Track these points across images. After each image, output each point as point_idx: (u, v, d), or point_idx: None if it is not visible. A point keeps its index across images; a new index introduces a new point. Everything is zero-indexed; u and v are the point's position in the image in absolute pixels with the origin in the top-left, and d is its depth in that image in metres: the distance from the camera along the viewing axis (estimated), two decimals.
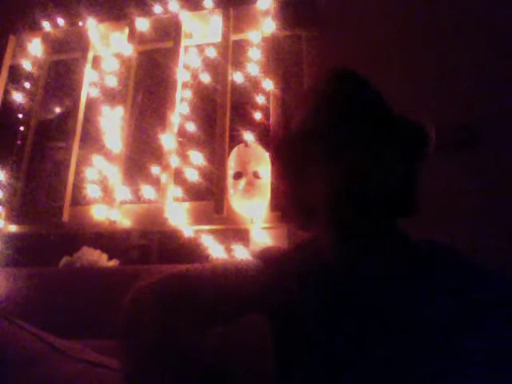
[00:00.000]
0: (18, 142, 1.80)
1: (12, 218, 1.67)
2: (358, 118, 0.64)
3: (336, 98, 0.67)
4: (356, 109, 0.65)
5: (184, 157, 1.63)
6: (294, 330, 0.64)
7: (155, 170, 1.63)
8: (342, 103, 0.66)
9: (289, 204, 0.74)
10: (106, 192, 1.62)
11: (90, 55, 1.85)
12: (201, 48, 1.83)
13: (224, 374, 0.51)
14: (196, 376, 0.51)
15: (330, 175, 0.64)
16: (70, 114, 1.78)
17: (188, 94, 1.77)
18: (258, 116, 1.63)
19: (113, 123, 1.70)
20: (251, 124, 1.63)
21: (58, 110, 2.01)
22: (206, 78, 1.77)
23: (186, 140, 1.70)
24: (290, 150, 0.71)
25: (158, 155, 1.65)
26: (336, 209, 0.64)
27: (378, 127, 0.65)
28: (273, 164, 0.80)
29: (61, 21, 1.90)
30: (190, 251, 1.52)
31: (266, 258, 0.73)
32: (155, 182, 1.61)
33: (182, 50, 1.77)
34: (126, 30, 1.82)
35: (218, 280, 0.68)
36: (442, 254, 0.65)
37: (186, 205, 1.57)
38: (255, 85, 1.67)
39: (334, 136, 0.64)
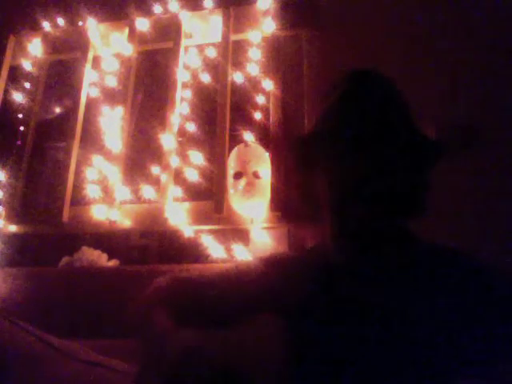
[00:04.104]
0: (18, 142, 1.80)
1: (12, 218, 1.67)
2: (374, 120, 0.64)
3: (354, 99, 0.68)
4: (373, 111, 0.65)
5: (184, 157, 1.63)
6: (298, 330, 0.64)
7: (155, 170, 1.63)
8: (360, 104, 0.66)
9: (298, 197, 0.76)
10: (106, 192, 1.62)
11: (90, 55, 1.85)
12: (201, 48, 1.83)
13: (230, 375, 0.51)
14: (203, 379, 0.51)
15: (339, 173, 0.65)
16: (69, 114, 1.78)
17: (188, 93, 1.77)
18: (258, 116, 1.63)
19: (113, 123, 1.70)
20: (251, 124, 1.62)
21: (58, 110, 2.00)
22: (206, 78, 1.77)
23: (185, 140, 1.70)
24: (307, 146, 0.72)
25: (158, 155, 1.65)
26: (341, 205, 0.65)
27: (395, 133, 0.65)
28: (287, 158, 0.83)
29: (61, 21, 1.90)
30: (190, 251, 1.52)
31: (274, 261, 0.74)
32: (155, 182, 1.61)
33: (182, 50, 1.77)
34: (126, 30, 1.82)
35: (229, 286, 0.70)
36: (442, 254, 0.65)
37: (186, 205, 1.57)
38: (255, 85, 1.67)
39: (349, 136, 0.65)
